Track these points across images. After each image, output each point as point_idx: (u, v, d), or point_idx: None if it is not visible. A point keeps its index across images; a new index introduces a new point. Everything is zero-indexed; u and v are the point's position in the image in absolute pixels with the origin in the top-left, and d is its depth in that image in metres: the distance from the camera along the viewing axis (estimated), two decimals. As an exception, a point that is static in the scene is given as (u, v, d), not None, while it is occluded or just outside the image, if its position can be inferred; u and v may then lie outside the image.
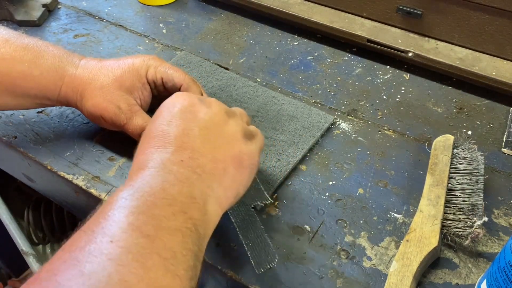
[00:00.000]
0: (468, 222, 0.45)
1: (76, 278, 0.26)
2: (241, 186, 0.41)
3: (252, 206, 0.46)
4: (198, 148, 0.38)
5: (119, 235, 0.29)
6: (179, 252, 0.30)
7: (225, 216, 0.49)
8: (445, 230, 0.46)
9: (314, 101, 0.63)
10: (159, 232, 0.30)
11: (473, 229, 0.45)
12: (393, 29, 0.70)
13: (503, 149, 0.57)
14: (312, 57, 0.71)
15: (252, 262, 0.42)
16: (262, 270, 0.42)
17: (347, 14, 0.73)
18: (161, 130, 0.39)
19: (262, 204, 0.46)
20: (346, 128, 0.59)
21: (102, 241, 0.28)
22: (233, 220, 0.44)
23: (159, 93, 0.54)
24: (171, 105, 0.41)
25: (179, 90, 0.52)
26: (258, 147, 0.43)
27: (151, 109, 0.55)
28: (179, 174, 0.35)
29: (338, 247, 0.47)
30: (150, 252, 0.29)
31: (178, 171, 0.36)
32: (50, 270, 0.28)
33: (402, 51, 0.67)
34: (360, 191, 0.52)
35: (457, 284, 0.44)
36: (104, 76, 0.50)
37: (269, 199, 0.46)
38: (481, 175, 0.50)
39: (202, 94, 0.54)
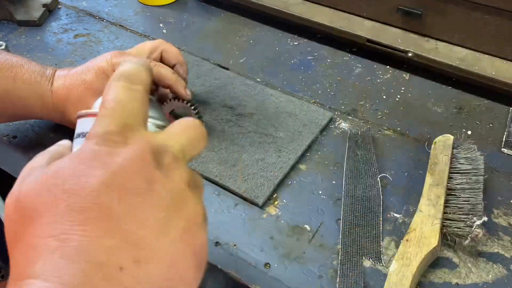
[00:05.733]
0: (468, 222, 0.45)
1: None
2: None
3: None
4: (150, 245, 0.23)
5: None
6: None
7: (225, 215, 0.49)
8: (445, 230, 0.46)
9: (314, 101, 0.63)
10: None
11: (472, 228, 0.45)
12: (393, 29, 0.70)
13: (503, 149, 0.57)
14: (312, 57, 0.71)
15: None
16: None
17: (347, 14, 0.73)
18: (98, 202, 0.22)
19: None
20: (346, 128, 0.59)
21: None
22: None
23: None
24: (115, 157, 0.24)
25: None
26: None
27: None
28: None
29: (338, 246, 0.47)
30: None
31: None
32: None
33: (402, 51, 0.67)
34: (360, 191, 0.52)
35: (456, 283, 0.44)
36: (76, 89, 0.50)
37: None
38: (480, 175, 0.50)
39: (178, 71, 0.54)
